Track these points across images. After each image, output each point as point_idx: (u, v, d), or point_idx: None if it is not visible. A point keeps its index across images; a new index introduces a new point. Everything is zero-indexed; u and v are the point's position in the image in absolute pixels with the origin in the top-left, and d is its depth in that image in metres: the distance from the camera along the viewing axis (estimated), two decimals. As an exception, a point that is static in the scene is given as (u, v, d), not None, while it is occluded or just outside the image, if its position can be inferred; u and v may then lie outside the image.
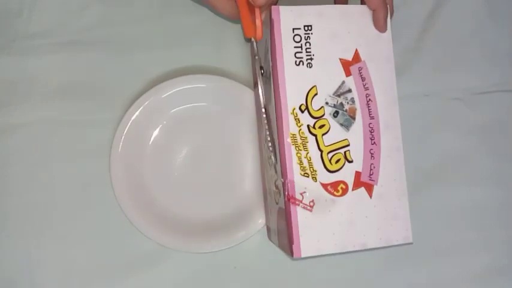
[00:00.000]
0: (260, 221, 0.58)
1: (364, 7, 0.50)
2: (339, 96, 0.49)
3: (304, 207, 0.48)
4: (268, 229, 0.58)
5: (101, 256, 0.59)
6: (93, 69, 0.60)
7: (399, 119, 0.51)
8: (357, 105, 0.50)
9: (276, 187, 0.51)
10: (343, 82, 0.49)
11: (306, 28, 0.49)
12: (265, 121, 0.51)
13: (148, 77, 0.60)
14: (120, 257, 0.59)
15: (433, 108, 0.63)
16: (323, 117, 0.49)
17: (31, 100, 0.59)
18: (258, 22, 0.50)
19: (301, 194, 0.48)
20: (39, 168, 0.59)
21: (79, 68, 0.60)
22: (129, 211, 0.57)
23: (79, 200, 0.59)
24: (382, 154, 0.50)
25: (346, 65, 0.50)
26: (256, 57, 0.52)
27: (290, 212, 0.48)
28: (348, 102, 0.49)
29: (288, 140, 0.48)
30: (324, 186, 0.49)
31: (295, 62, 0.49)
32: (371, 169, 0.50)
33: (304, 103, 0.48)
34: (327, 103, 0.49)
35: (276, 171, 0.50)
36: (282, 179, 0.49)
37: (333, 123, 0.49)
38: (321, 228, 0.48)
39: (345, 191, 0.49)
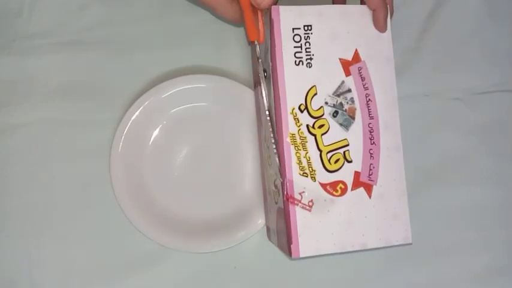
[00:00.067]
0: (260, 221, 0.58)
1: (364, 7, 0.51)
2: (338, 96, 0.49)
3: (303, 207, 0.48)
4: (268, 229, 0.58)
5: (101, 256, 0.59)
6: (93, 69, 0.60)
7: (399, 119, 0.51)
8: (357, 105, 0.50)
9: (275, 187, 0.51)
10: (343, 82, 0.49)
11: (306, 28, 0.49)
12: (269, 123, 0.51)
13: (148, 77, 0.60)
14: (120, 257, 0.59)
15: (433, 108, 0.63)
16: (322, 117, 0.49)
17: (31, 100, 0.59)
18: (261, 25, 0.50)
19: (300, 193, 0.48)
20: (39, 168, 0.59)
21: (79, 68, 0.60)
22: (129, 211, 0.57)
23: (79, 200, 0.59)
24: (382, 154, 0.50)
25: (346, 65, 0.50)
26: (260, 60, 0.52)
27: (289, 211, 0.48)
28: (347, 102, 0.49)
29: (287, 139, 0.48)
30: (323, 186, 0.49)
31: (295, 61, 0.49)
32: (370, 169, 0.50)
33: (304, 103, 0.48)
34: (326, 103, 0.49)
35: (275, 171, 0.50)
36: (281, 179, 0.49)
37: (333, 123, 0.49)
38: (319, 228, 0.48)
39: (344, 191, 0.49)
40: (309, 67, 0.49)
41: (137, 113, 0.57)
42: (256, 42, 0.51)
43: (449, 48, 0.64)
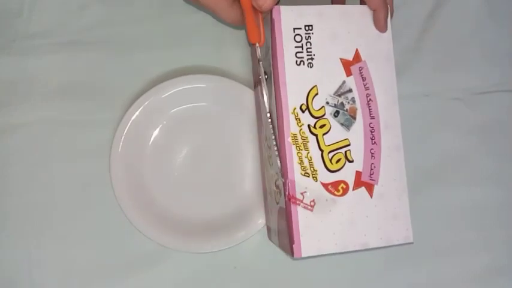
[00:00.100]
0: (260, 221, 0.58)
1: (364, 7, 0.51)
2: (339, 96, 0.49)
3: (304, 207, 0.48)
4: (269, 229, 0.58)
5: (101, 256, 0.59)
6: (93, 69, 0.60)
7: (399, 118, 0.51)
8: (358, 105, 0.50)
9: (277, 187, 0.51)
10: (344, 82, 0.50)
11: (307, 28, 0.49)
12: (271, 125, 0.50)
13: (148, 77, 0.60)
14: (120, 257, 0.59)
15: (433, 108, 0.63)
16: (324, 117, 0.49)
17: (31, 100, 0.59)
18: (261, 27, 0.50)
19: (301, 193, 0.48)
20: (39, 168, 0.59)
21: (79, 68, 0.60)
22: (129, 211, 0.57)
23: (79, 200, 0.59)
24: (383, 154, 0.50)
25: (347, 65, 0.50)
26: (261, 63, 0.52)
27: (291, 211, 0.48)
28: (348, 102, 0.49)
29: (288, 139, 0.48)
30: (325, 186, 0.49)
31: (296, 61, 0.49)
32: (371, 169, 0.50)
33: (305, 103, 0.49)
34: (327, 103, 0.49)
35: (276, 171, 0.50)
36: (283, 179, 0.49)
37: (334, 123, 0.49)
38: (321, 228, 0.48)
39: (345, 191, 0.49)
40: (310, 67, 0.49)
41: (137, 113, 0.57)
42: (257, 45, 0.51)
43: (449, 48, 0.64)
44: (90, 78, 0.60)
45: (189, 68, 0.60)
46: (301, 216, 0.48)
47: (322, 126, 0.49)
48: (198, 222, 0.59)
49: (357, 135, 0.50)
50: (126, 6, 0.61)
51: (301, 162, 0.48)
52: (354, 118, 0.50)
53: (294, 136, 0.48)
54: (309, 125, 0.48)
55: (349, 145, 0.49)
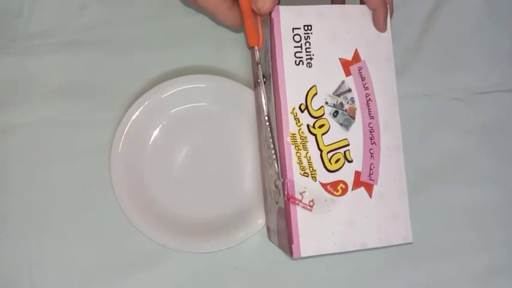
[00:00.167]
0: (260, 221, 0.58)
1: (364, 7, 0.51)
2: (338, 96, 0.49)
3: (303, 207, 0.48)
4: (268, 229, 0.58)
5: (101, 256, 0.59)
6: (93, 69, 0.60)
7: (399, 119, 0.51)
8: (357, 105, 0.50)
9: (276, 187, 0.51)
10: (343, 82, 0.49)
11: (306, 28, 0.49)
12: (269, 128, 0.51)
13: (148, 77, 0.60)
14: (120, 257, 0.59)
15: (433, 108, 0.63)
16: (323, 116, 0.49)
17: (31, 100, 0.59)
18: (260, 30, 0.50)
19: (300, 193, 0.48)
20: (39, 168, 0.59)
21: (79, 68, 0.60)
22: (129, 211, 0.57)
23: (79, 200, 0.59)
24: (382, 154, 0.50)
25: (346, 65, 0.50)
26: (259, 66, 0.52)
27: (290, 211, 0.48)
28: (347, 102, 0.49)
29: (287, 139, 0.48)
30: (324, 185, 0.49)
31: (295, 61, 0.49)
32: (371, 169, 0.50)
33: (304, 103, 0.48)
34: (326, 103, 0.49)
35: (275, 171, 0.50)
36: (282, 179, 0.49)
37: (333, 123, 0.49)
38: (320, 228, 0.48)
39: (344, 191, 0.49)
40: (309, 67, 0.49)
41: (137, 113, 0.57)
42: (255, 48, 0.51)
43: (449, 48, 0.64)
44: (90, 78, 0.60)
45: (189, 68, 0.60)
46: (300, 216, 0.48)
47: (321, 126, 0.49)
48: (198, 222, 0.59)
49: (356, 135, 0.49)
50: (126, 6, 0.61)
51: (300, 162, 0.48)
52: (353, 118, 0.50)
53: (293, 136, 0.48)
54: (308, 125, 0.48)
55: (348, 145, 0.49)
